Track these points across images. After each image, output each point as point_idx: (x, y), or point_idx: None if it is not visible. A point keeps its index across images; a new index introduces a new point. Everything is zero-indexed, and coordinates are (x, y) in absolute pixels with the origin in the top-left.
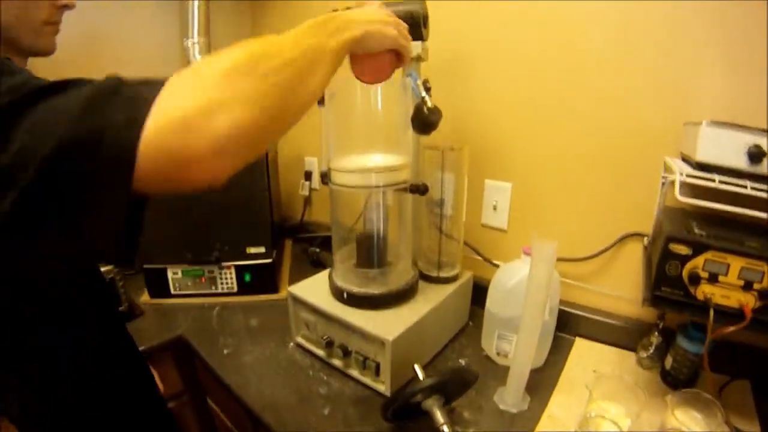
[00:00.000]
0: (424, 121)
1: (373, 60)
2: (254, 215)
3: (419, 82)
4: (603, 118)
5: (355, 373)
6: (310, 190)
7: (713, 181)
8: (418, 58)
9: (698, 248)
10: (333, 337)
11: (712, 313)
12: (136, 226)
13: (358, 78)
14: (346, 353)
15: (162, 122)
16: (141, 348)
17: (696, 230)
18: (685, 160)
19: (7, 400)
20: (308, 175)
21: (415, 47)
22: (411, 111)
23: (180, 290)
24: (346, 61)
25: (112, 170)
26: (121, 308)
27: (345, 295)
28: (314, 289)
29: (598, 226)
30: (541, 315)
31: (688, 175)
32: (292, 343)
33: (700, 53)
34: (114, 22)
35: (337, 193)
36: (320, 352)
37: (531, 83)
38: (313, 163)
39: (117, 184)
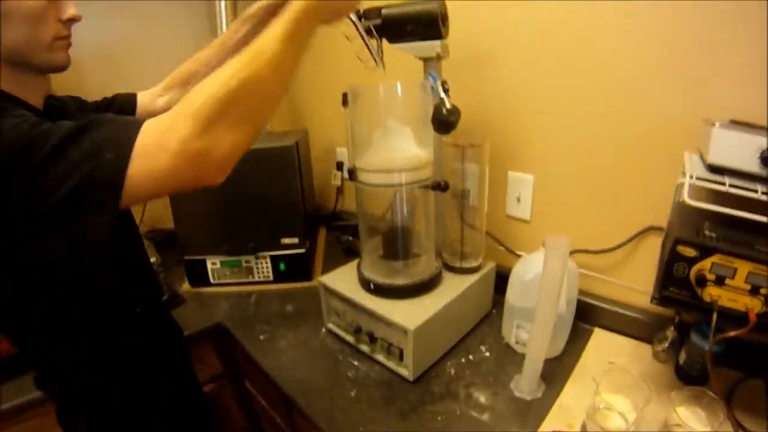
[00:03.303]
0: (444, 121)
1: None
2: (287, 208)
3: (438, 83)
4: (625, 111)
5: (380, 357)
6: (342, 179)
7: (723, 184)
8: (438, 57)
9: (705, 251)
10: (361, 324)
11: (715, 316)
12: None
13: None
14: (372, 339)
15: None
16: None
17: (707, 232)
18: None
19: (51, 377)
20: (340, 166)
21: (434, 46)
22: (431, 110)
23: (219, 279)
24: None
25: (103, 197)
26: (164, 297)
27: (372, 286)
28: (344, 279)
29: (620, 219)
30: (554, 308)
31: (698, 178)
32: (323, 329)
33: (726, 48)
34: (142, 25)
35: (363, 189)
36: (349, 338)
37: (551, 78)
38: (343, 154)
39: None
